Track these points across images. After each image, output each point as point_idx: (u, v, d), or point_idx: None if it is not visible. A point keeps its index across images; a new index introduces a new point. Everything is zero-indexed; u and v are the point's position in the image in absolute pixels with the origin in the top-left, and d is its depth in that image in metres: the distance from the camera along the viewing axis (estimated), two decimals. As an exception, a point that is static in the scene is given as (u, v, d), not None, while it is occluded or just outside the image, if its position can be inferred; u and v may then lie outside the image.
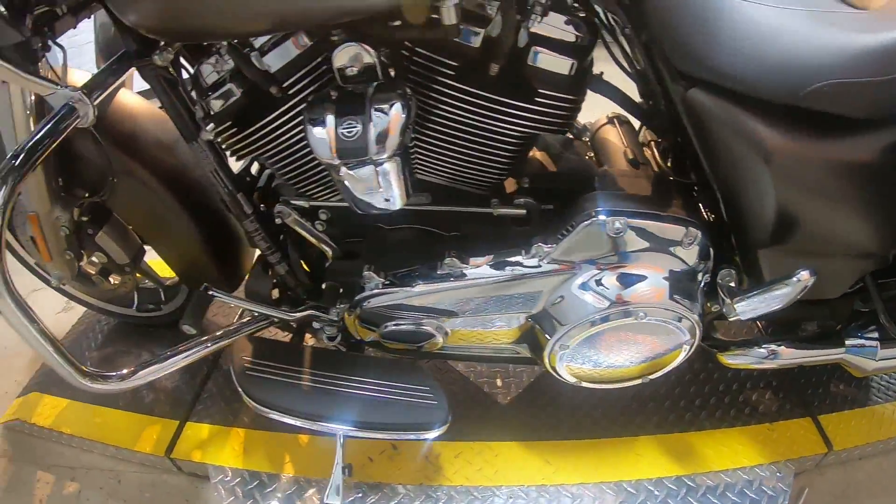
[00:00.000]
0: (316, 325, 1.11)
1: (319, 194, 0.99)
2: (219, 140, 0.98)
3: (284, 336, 1.38)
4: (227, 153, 1.02)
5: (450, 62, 0.84)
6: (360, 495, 1.15)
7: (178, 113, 0.96)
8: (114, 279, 1.53)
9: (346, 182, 0.83)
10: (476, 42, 0.84)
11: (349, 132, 0.76)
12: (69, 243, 1.30)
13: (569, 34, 0.85)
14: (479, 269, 0.91)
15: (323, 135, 0.78)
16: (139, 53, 0.90)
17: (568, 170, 1.03)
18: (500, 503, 0.98)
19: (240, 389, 1.00)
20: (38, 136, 0.83)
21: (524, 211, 0.93)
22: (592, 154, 1.06)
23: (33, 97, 1.01)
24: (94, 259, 1.38)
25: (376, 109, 0.77)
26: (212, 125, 0.95)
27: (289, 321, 1.06)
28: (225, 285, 1.39)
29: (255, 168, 1.15)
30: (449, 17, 0.78)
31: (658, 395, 1.21)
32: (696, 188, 1.02)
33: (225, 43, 0.86)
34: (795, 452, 1.20)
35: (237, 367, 0.99)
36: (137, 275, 1.53)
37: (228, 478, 1.27)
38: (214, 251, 1.29)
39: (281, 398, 0.96)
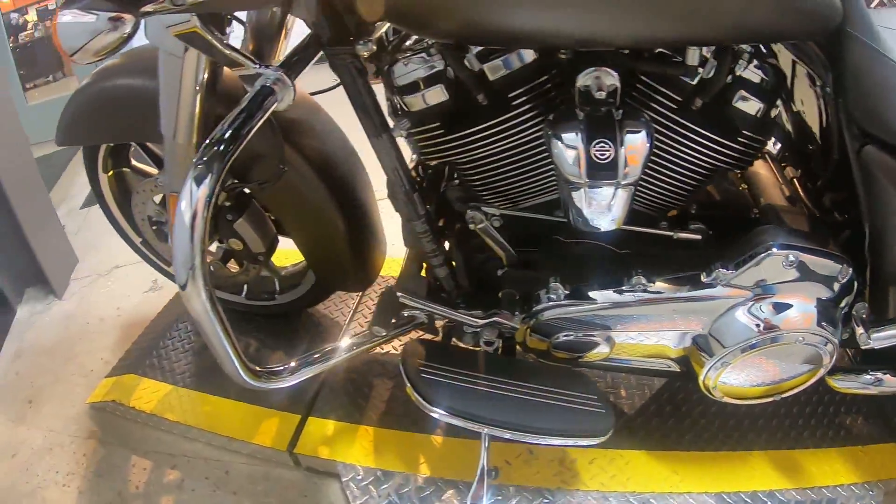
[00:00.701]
0: (468, 329, 1.09)
1: (503, 202, 0.99)
2: (412, 139, 0.96)
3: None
4: (416, 153, 1.00)
5: (672, 95, 0.89)
6: (500, 498, 1.14)
7: (364, 106, 0.92)
8: (233, 266, 1.49)
9: (579, 200, 0.85)
10: (694, 80, 0.90)
11: (602, 154, 0.78)
12: (209, 229, 1.29)
13: (764, 79, 0.92)
14: (661, 287, 0.95)
15: (573, 154, 0.79)
16: (335, 40, 0.86)
17: (728, 200, 1.10)
18: None
19: (413, 391, 1.00)
20: (238, 120, 0.79)
21: (699, 236, 0.98)
22: (745, 186, 1.13)
23: (206, 74, 0.93)
24: (230, 245, 1.33)
25: (630, 134, 0.80)
26: (406, 123, 0.93)
27: (474, 326, 1.05)
28: (357, 283, 1.42)
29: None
30: (692, 58, 0.85)
31: (765, 412, 1.28)
32: (842, 225, 1.09)
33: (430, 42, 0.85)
34: (885, 474, 1.30)
35: (410, 368, 1.00)
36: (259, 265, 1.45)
37: (360, 476, 1.24)
38: (353, 248, 1.27)
39: (456, 401, 0.97)
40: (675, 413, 1.25)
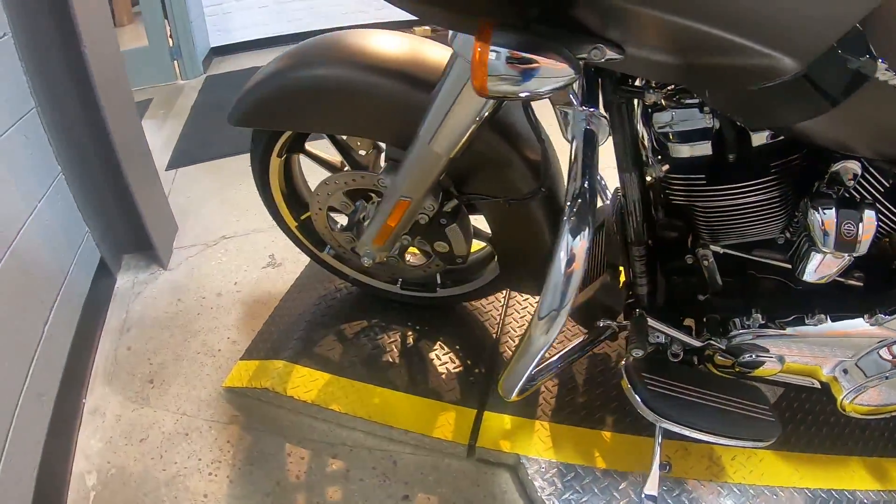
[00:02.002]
0: (676, 347, 1.11)
1: (726, 243, 1.02)
2: (666, 180, 0.97)
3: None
4: (666, 193, 1.01)
5: (885, 182, 0.88)
6: (665, 489, 1.18)
7: (626, 143, 0.95)
8: (415, 260, 1.44)
9: (815, 262, 0.91)
10: None
11: (848, 232, 0.86)
12: (420, 230, 1.23)
13: None
14: (834, 325, 1.01)
15: (829, 227, 0.86)
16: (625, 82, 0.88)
17: (881, 253, 1.04)
18: (773, 500, 1.16)
19: (638, 399, 1.02)
20: (581, 166, 0.79)
21: (861, 283, 1.01)
22: (887, 240, 1.08)
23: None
24: (435, 248, 1.28)
25: (867, 215, 0.85)
26: (665, 166, 0.95)
27: (694, 346, 1.08)
28: (536, 287, 1.34)
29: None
30: None
31: (860, 424, 1.32)
32: None
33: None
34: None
35: (634, 380, 1.02)
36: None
37: (544, 468, 1.21)
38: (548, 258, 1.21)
39: (669, 407, 1.02)
40: (792, 420, 1.34)
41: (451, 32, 0.82)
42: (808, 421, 1.34)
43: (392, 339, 1.50)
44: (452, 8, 0.68)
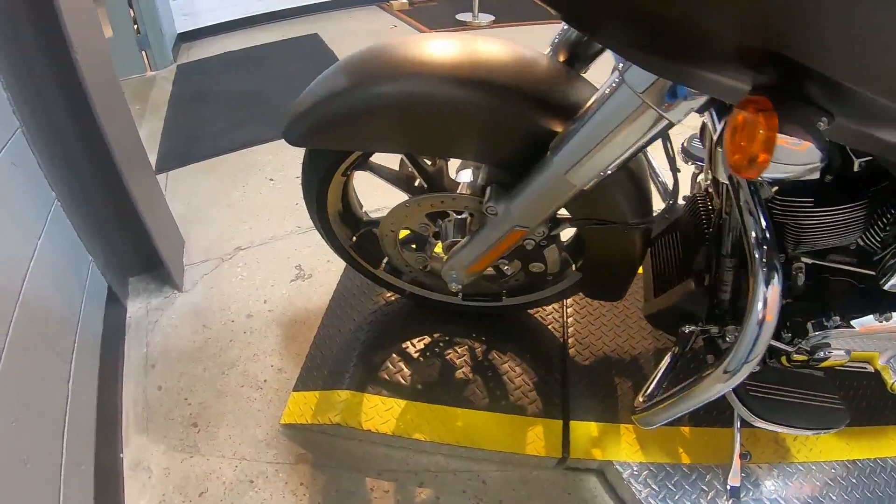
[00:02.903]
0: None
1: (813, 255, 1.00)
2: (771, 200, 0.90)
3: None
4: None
5: None
6: (744, 475, 1.21)
7: None
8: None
9: None
10: None
11: None
12: (518, 253, 1.16)
13: None
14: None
15: None
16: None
17: None
18: (831, 473, 1.22)
19: (740, 405, 1.04)
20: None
21: None
22: None
23: (653, 134, 0.75)
24: (531, 268, 1.21)
25: None
26: (775, 188, 0.87)
27: (787, 352, 1.06)
28: (613, 297, 1.29)
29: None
30: None
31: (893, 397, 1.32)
32: None
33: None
34: None
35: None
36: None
37: (636, 471, 1.20)
38: (632, 270, 1.20)
39: (766, 410, 1.05)
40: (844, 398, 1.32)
41: (621, 63, 0.71)
42: (848, 397, 1.39)
43: (460, 354, 1.37)
44: (729, 78, 0.57)
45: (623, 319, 1.47)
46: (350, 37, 3.53)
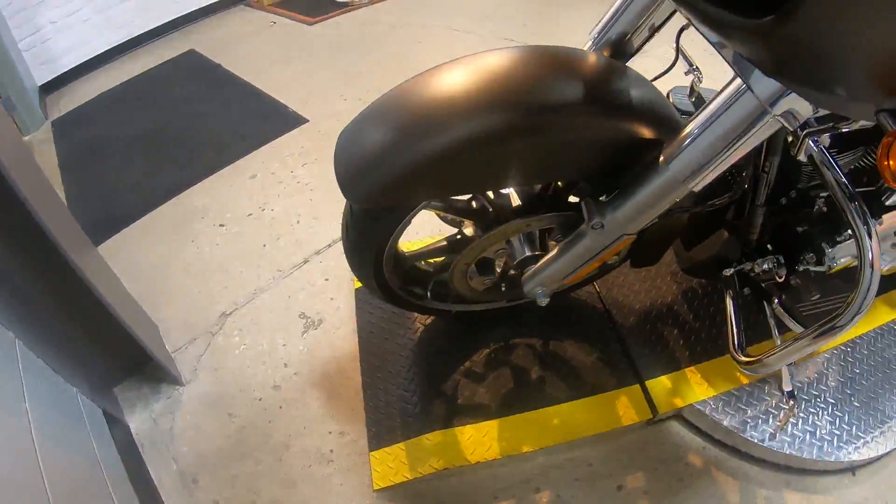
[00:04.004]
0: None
1: None
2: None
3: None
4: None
5: None
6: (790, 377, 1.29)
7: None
8: None
9: None
10: None
11: None
12: None
13: None
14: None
15: None
16: None
17: None
18: (855, 347, 1.36)
19: (798, 324, 1.09)
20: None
21: None
22: None
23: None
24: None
25: None
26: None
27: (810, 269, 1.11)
28: (648, 263, 1.31)
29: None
30: None
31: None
32: None
33: None
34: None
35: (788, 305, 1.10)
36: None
37: (713, 405, 1.27)
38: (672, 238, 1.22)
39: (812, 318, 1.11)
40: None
41: (737, 66, 0.69)
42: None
43: (521, 356, 1.33)
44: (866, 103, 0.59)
45: (647, 277, 1.50)
46: (232, 44, 3.08)
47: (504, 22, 2.94)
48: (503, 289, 1.26)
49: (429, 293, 1.22)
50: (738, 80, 0.70)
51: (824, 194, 1.10)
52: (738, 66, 0.68)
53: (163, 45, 3.20)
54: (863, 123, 0.83)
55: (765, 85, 0.67)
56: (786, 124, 0.70)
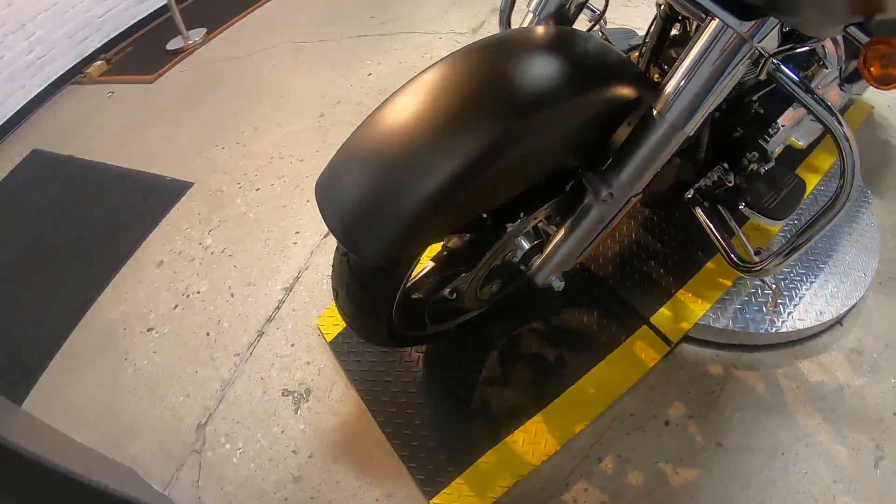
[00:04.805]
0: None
1: None
2: None
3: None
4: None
5: None
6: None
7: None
8: None
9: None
10: None
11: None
12: None
13: None
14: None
15: None
16: None
17: None
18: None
19: (766, 218, 1.14)
20: None
21: None
22: None
23: None
24: None
25: None
26: None
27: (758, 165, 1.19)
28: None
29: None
30: None
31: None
32: None
33: None
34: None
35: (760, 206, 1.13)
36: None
37: (712, 315, 1.31)
38: None
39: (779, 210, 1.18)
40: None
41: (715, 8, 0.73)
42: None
43: (530, 343, 1.30)
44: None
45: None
46: (75, 129, 2.62)
47: (349, 21, 2.81)
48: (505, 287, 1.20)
49: (428, 320, 1.13)
50: (715, 23, 0.73)
51: (754, 98, 1.16)
52: (716, 7, 0.73)
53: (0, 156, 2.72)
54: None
55: (742, 23, 0.72)
56: (762, 51, 0.74)
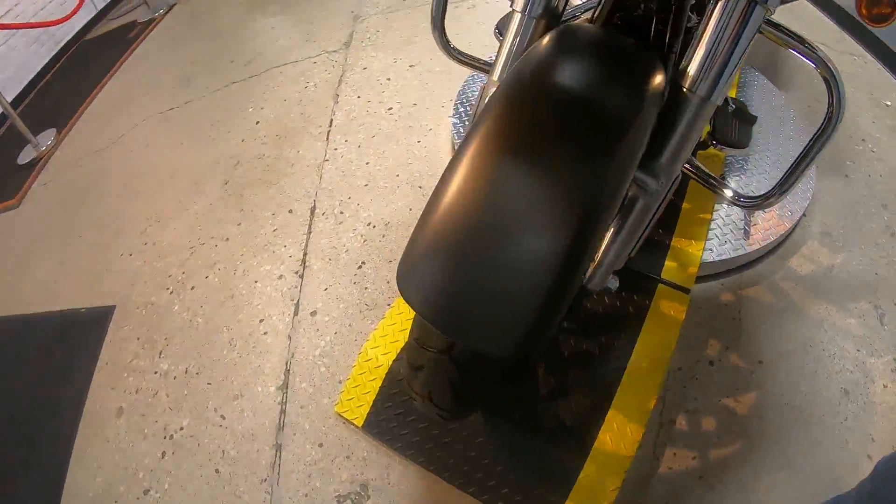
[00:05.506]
0: None
1: None
2: None
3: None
4: None
5: None
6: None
7: None
8: None
9: None
10: None
11: None
12: None
13: None
14: None
15: None
16: None
17: None
18: None
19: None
20: None
21: None
22: None
23: None
24: None
25: None
26: None
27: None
28: None
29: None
30: None
31: None
32: None
33: None
34: None
35: None
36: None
37: (711, 252, 1.35)
38: None
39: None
40: None
41: None
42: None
43: (570, 342, 1.25)
44: None
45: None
46: None
47: (210, 73, 2.56)
48: None
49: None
50: None
51: None
52: None
53: None
54: None
55: None
56: (769, 7, 0.73)
